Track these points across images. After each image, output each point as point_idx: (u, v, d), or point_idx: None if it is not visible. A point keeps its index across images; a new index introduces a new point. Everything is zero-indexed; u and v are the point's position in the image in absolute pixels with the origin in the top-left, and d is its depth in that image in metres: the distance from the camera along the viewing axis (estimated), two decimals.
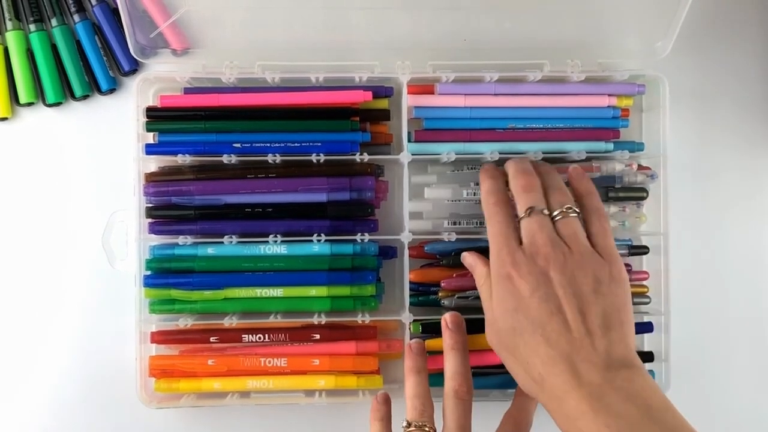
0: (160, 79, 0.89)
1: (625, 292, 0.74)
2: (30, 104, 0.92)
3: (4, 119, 0.92)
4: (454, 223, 0.88)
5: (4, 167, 0.92)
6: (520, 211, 0.77)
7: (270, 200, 0.87)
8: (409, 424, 0.75)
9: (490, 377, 0.88)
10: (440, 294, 0.88)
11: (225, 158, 0.85)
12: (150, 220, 0.88)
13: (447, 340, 0.79)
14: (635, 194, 0.89)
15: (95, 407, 0.91)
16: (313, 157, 0.86)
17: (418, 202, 0.89)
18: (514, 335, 0.72)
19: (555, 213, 0.76)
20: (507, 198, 0.79)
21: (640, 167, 0.90)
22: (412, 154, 0.87)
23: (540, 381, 0.70)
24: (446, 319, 0.80)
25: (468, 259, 0.83)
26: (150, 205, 0.87)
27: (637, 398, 0.65)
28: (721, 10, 0.97)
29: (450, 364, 0.78)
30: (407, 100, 0.87)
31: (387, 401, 0.80)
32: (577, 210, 0.77)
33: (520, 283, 0.72)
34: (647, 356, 0.89)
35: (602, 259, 0.74)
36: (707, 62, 0.97)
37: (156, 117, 0.87)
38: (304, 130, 0.87)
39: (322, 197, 0.87)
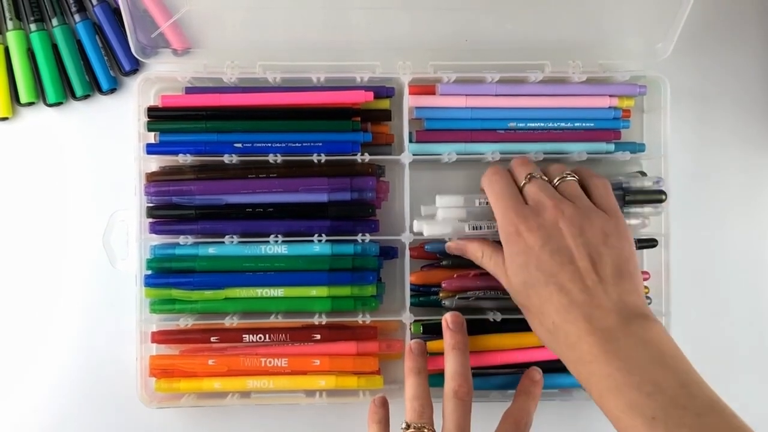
0: (162, 78, 0.89)
1: (631, 245, 0.76)
2: (31, 104, 0.92)
3: (4, 119, 0.92)
4: (474, 228, 0.86)
5: (4, 167, 0.92)
6: (520, 179, 0.79)
7: (271, 200, 0.87)
8: (408, 426, 0.76)
9: (490, 378, 0.88)
10: (441, 294, 0.88)
11: (226, 158, 0.85)
12: (151, 219, 0.87)
13: (448, 340, 0.80)
14: (653, 197, 0.88)
15: (95, 407, 0.91)
16: (314, 158, 0.86)
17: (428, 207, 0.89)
18: (526, 288, 0.75)
19: (554, 179, 0.79)
20: (506, 171, 0.82)
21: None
22: (413, 155, 0.87)
23: (554, 329, 0.72)
24: (447, 319, 0.81)
25: (453, 246, 0.85)
26: (151, 204, 0.87)
27: (650, 344, 0.67)
28: (722, 12, 0.97)
29: (450, 365, 0.78)
30: (408, 101, 0.87)
31: (385, 404, 0.81)
32: (575, 176, 0.80)
33: (529, 237, 0.75)
34: None
35: (606, 215, 0.76)
36: (708, 63, 0.97)
37: (157, 117, 0.87)
38: (306, 130, 0.87)
39: (323, 197, 0.87)
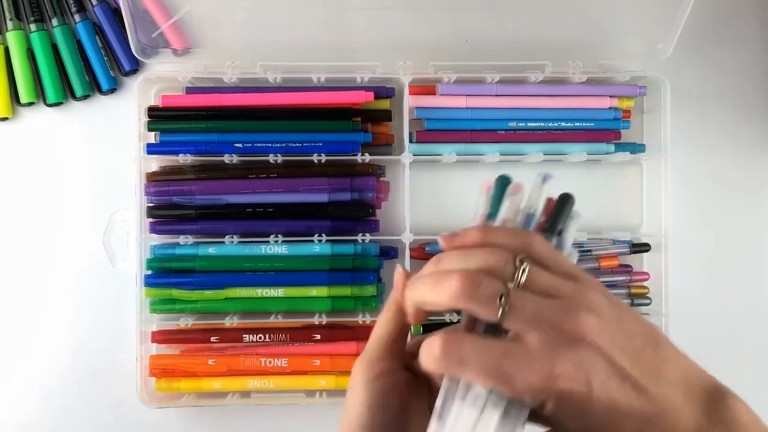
0: (162, 78, 0.89)
1: (635, 314, 0.57)
2: (31, 104, 0.92)
3: (4, 119, 0.92)
4: None
5: (5, 167, 0.92)
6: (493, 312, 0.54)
7: (271, 200, 0.87)
8: None
9: None
10: None
11: (226, 158, 0.86)
12: (151, 219, 0.88)
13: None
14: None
15: (96, 406, 0.91)
16: (315, 158, 0.86)
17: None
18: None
19: (509, 280, 0.53)
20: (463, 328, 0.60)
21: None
22: (414, 155, 0.87)
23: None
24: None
25: None
26: (151, 204, 0.87)
27: (738, 423, 0.55)
28: (722, 12, 0.98)
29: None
30: (408, 101, 0.87)
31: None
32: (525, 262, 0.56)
33: (538, 371, 0.55)
34: None
35: (593, 293, 0.54)
36: (708, 63, 0.97)
37: (158, 117, 0.87)
38: (306, 130, 0.87)
39: (323, 197, 0.87)
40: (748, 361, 0.94)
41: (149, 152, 0.87)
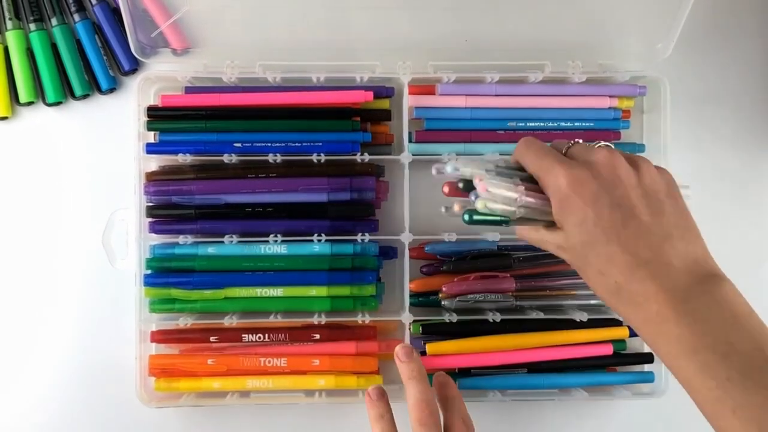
0: (162, 78, 0.89)
1: (681, 195, 0.69)
2: (30, 104, 0.92)
3: (4, 119, 0.92)
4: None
5: (4, 167, 0.92)
6: (562, 147, 0.71)
7: (270, 200, 0.87)
8: None
9: (490, 378, 0.88)
10: (441, 295, 0.88)
11: (225, 158, 0.86)
12: (150, 219, 0.88)
13: (403, 371, 0.77)
14: None
15: (95, 406, 0.91)
16: (314, 157, 0.86)
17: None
18: (584, 248, 0.66)
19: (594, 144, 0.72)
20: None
21: None
22: (413, 155, 0.87)
23: (617, 290, 0.65)
24: (398, 353, 0.78)
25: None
26: (150, 204, 0.87)
27: (723, 303, 0.62)
28: (722, 12, 0.97)
29: (410, 394, 0.75)
30: (408, 101, 0.87)
31: (382, 396, 0.78)
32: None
33: (583, 191, 0.65)
34: (647, 357, 0.90)
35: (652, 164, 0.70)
36: (708, 63, 0.97)
37: (157, 116, 0.87)
38: (305, 129, 0.87)
39: (322, 197, 0.87)
40: None
41: (148, 152, 0.86)
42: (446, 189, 0.67)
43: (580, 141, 0.70)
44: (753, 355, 0.59)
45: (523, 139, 0.71)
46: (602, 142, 0.71)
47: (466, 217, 0.66)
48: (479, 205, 0.66)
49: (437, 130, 0.90)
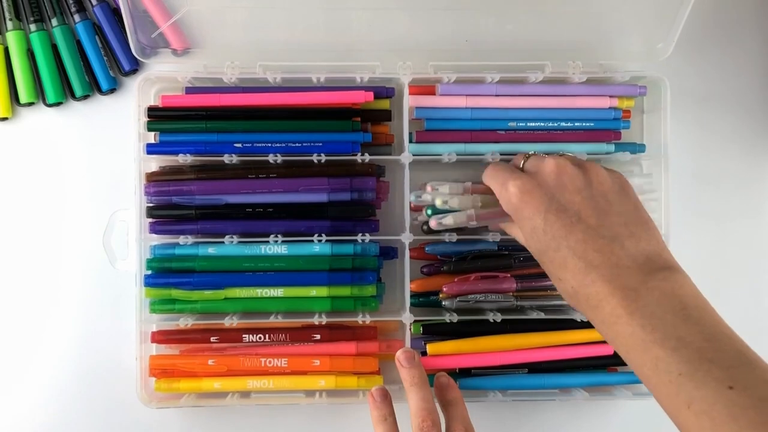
0: (162, 78, 0.88)
1: (638, 197, 0.73)
2: (30, 104, 0.92)
3: (4, 119, 0.92)
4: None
5: (4, 167, 0.92)
6: (518, 162, 0.78)
7: (271, 200, 0.87)
8: None
9: (491, 378, 0.88)
10: (441, 296, 0.88)
11: (226, 158, 0.85)
12: (151, 219, 0.87)
13: (404, 377, 0.78)
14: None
15: (95, 407, 0.91)
16: (314, 158, 0.86)
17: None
18: (540, 255, 0.71)
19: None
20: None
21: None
22: (414, 155, 0.87)
23: (574, 294, 0.69)
24: (399, 357, 0.79)
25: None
26: (151, 204, 0.87)
27: (673, 297, 0.64)
28: (722, 12, 0.97)
29: (411, 401, 0.76)
30: (408, 101, 0.87)
31: (386, 397, 0.79)
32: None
33: (531, 200, 0.71)
34: None
35: (599, 165, 0.75)
36: (708, 63, 0.97)
37: (157, 117, 0.86)
38: (306, 130, 0.87)
39: (323, 197, 0.87)
40: None
41: (149, 152, 0.86)
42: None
43: (535, 153, 0.76)
44: (703, 347, 0.60)
45: (488, 167, 0.78)
46: (560, 153, 0.76)
47: (429, 211, 0.83)
48: (438, 202, 0.83)
49: (437, 130, 0.89)
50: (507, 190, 0.72)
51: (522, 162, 0.76)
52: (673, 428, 0.61)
